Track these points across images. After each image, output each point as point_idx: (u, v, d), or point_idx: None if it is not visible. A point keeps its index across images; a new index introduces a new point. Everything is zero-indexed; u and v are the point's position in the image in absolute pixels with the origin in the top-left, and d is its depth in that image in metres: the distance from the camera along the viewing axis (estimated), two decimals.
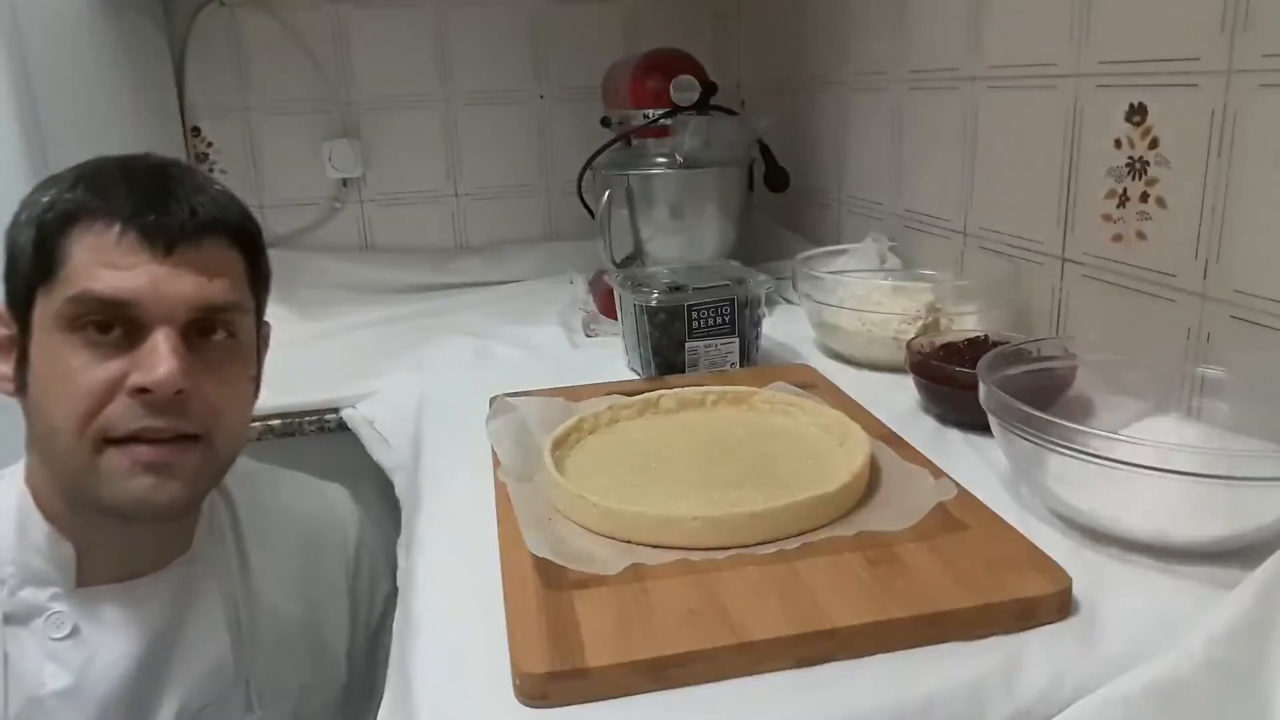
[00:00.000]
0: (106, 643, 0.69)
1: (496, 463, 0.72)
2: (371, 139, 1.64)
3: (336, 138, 1.61)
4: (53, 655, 0.67)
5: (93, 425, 0.62)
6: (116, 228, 0.62)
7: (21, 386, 0.66)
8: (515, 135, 1.69)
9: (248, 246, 0.69)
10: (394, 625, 0.62)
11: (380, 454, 0.98)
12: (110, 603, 0.69)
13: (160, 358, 0.61)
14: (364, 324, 1.30)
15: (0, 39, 0.95)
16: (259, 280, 0.72)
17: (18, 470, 0.71)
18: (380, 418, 1.00)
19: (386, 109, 1.64)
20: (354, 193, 1.66)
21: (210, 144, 1.60)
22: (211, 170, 1.59)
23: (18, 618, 0.67)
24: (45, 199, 0.65)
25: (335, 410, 1.04)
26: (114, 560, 0.70)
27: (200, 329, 0.65)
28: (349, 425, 1.03)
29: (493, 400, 0.82)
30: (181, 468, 0.64)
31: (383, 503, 0.94)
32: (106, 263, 0.62)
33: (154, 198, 0.64)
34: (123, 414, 0.62)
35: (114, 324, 0.62)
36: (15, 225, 0.66)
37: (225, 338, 0.67)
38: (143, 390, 0.61)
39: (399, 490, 0.91)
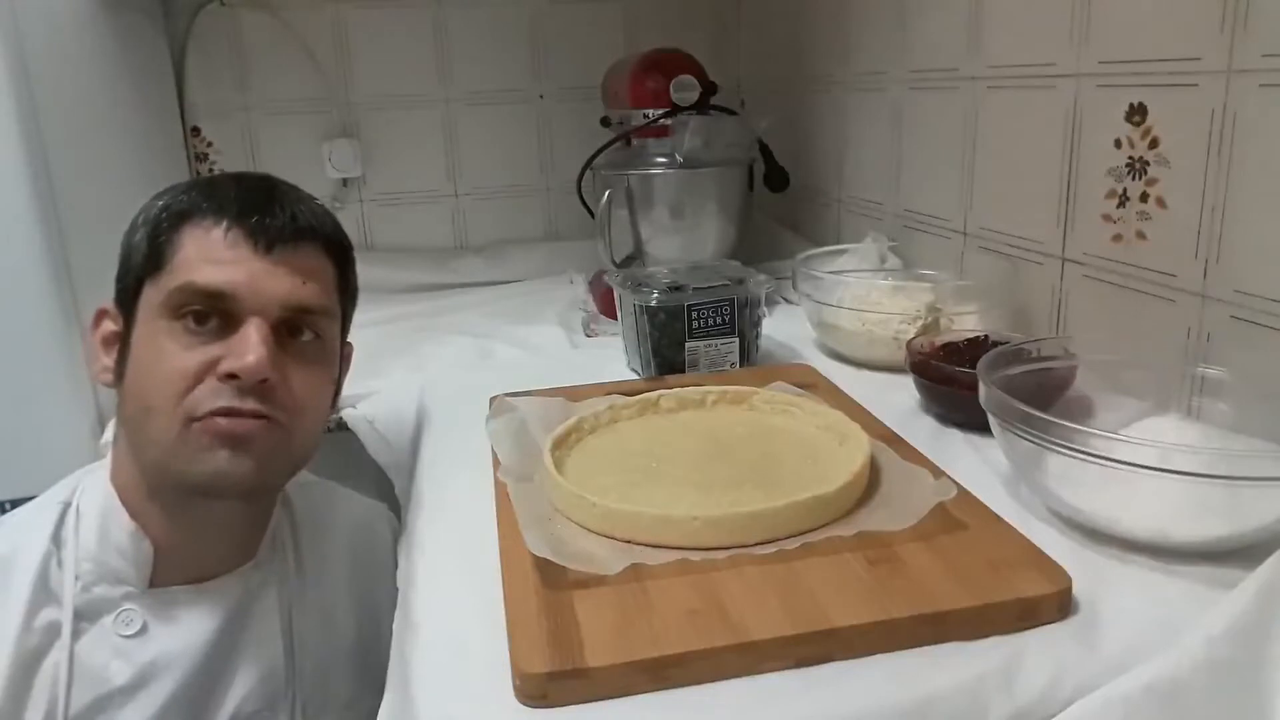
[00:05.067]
0: (173, 642, 0.71)
1: (496, 463, 0.72)
2: (371, 139, 1.64)
3: (336, 138, 1.61)
4: (120, 652, 0.69)
5: (182, 404, 0.66)
6: (223, 225, 0.68)
7: (119, 377, 0.70)
8: (515, 135, 1.69)
9: (339, 258, 0.75)
10: (394, 625, 0.62)
11: (380, 454, 0.98)
12: (180, 603, 0.72)
13: (250, 346, 0.65)
14: (364, 324, 1.28)
15: (0, 39, 0.95)
16: (347, 292, 0.77)
17: (104, 468, 0.74)
18: (380, 418, 1.00)
19: (386, 109, 1.64)
20: (354, 193, 1.66)
21: (210, 144, 1.60)
22: (211, 170, 1.59)
23: (89, 614, 0.69)
24: (161, 202, 0.71)
25: (335, 410, 1.03)
26: (187, 561, 0.73)
27: (290, 328, 0.70)
28: (349, 425, 1.03)
29: (493, 400, 0.83)
30: (257, 444, 0.67)
31: (383, 503, 0.94)
32: (210, 257, 0.67)
33: (259, 202, 0.69)
34: (209, 395, 0.66)
35: (211, 315, 0.67)
36: (131, 229, 0.71)
37: (312, 339, 0.71)
38: (231, 375, 0.65)
39: (399, 490, 0.91)
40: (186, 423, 0.66)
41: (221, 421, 0.66)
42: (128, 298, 0.70)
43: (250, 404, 0.66)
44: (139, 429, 0.68)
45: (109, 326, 0.72)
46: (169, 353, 0.66)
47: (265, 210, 0.68)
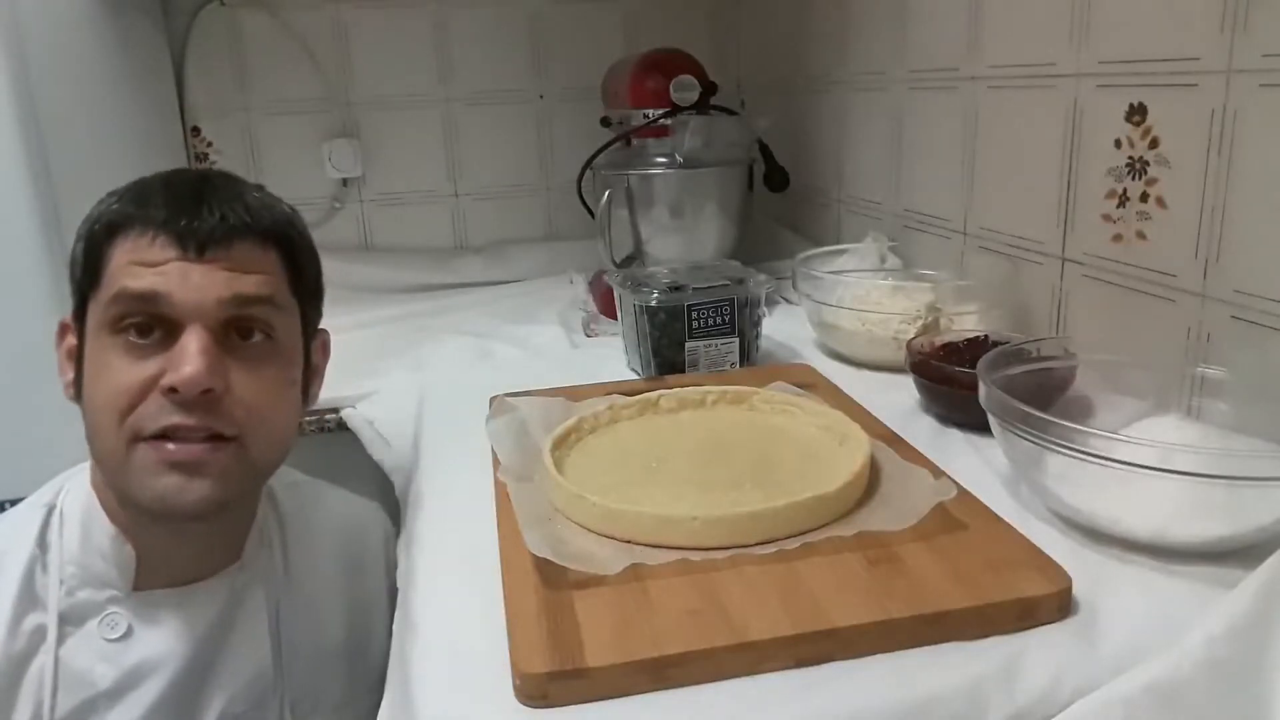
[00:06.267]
0: (158, 645, 0.70)
1: (496, 463, 0.72)
2: (371, 139, 1.64)
3: (336, 138, 1.61)
4: (105, 656, 0.69)
5: (127, 422, 0.64)
6: (150, 233, 0.65)
7: (79, 392, 0.68)
8: (515, 135, 1.70)
9: (285, 248, 0.71)
10: (394, 625, 0.62)
11: (380, 454, 0.98)
12: (164, 607, 0.71)
13: (188, 357, 0.63)
14: (364, 324, 1.29)
15: (0, 39, 0.95)
16: (301, 282, 0.72)
17: (86, 471, 0.73)
18: (380, 418, 1.00)
19: (386, 109, 1.64)
20: (354, 193, 1.66)
21: (210, 144, 1.60)
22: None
23: (73, 618, 0.69)
24: (95, 213, 0.68)
25: (335, 410, 1.04)
26: (169, 565, 0.72)
27: (240, 331, 0.67)
28: (349, 425, 1.03)
29: (493, 400, 0.83)
30: (210, 467, 0.65)
31: (383, 503, 0.94)
32: (140, 262, 0.65)
33: (187, 205, 0.66)
34: (154, 412, 0.64)
35: (153, 327, 0.64)
36: (76, 241, 0.69)
37: (263, 339, 0.68)
38: (172, 389, 0.63)
39: (399, 490, 0.91)
40: (132, 442, 0.64)
41: (169, 447, 0.63)
42: (78, 312, 0.68)
43: (195, 419, 0.63)
44: (93, 447, 0.67)
45: (70, 341, 0.70)
46: (113, 369, 0.64)
47: (193, 213, 0.65)
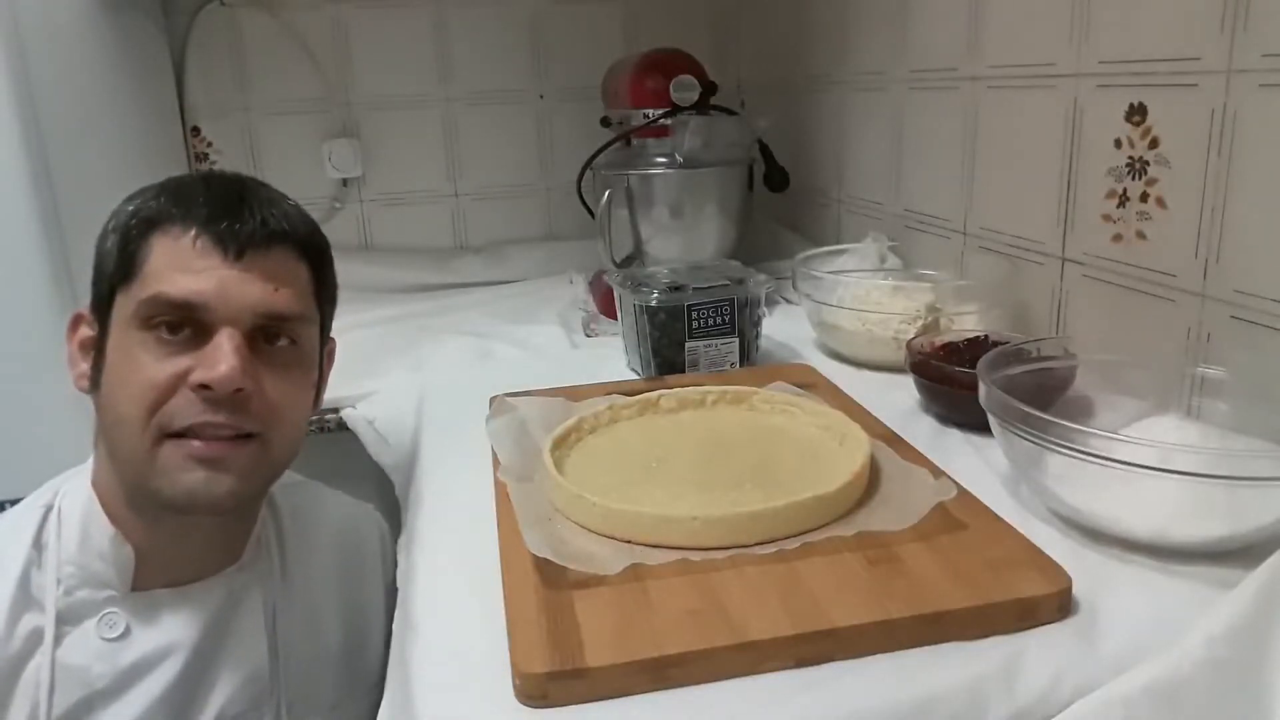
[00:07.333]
0: (156, 645, 0.70)
1: (496, 463, 0.72)
2: (371, 139, 1.64)
3: (336, 138, 1.62)
4: (103, 655, 0.69)
5: (155, 418, 0.65)
6: (192, 232, 0.66)
7: (95, 383, 0.69)
8: (515, 135, 1.70)
9: (315, 259, 0.73)
10: (394, 625, 0.62)
11: (380, 454, 0.98)
12: (163, 606, 0.71)
13: (223, 355, 0.64)
14: (364, 324, 1.29)
15: (0, 39, 0.95)
16: (324, 293, 0.75)
17: (86, 471, 0.73)
18: (380, 418, 1.00)
19: (386, 109, 1.64)
20: (354, 192, 1.66)
21: (210, 144, 1.60)
22: (211, 170, 1.59)
23: (71, 618, 0.69)
24: (130, 208, 0.69)
25: (335, 410, 1.04)
26: (169, 565, 0.72)
27: (265, 335, 0.68)
28: (349, 425, 1.03)
29: (493, 400, 0.83)
30: (235, 462, 0.66)
31: (383, 503, 0.94)
32: (181, 267, 0.65)
33: (229, 207, 0.68)
34: (184, 408, 0.65)
35: (184, 325, 0.65)
36: (103, 234, 0.70)
37: (288, 344, 0.70)
38: (204, 386, 0.64)
39: (399, 490, 0.91)
40: (159, 438, 0.65)
41: (196, 444, 0.65)
42: (102, 304, 0.69)
43: (224, 416, 0.65)
44: (114, 439, 0.67)
45: (85, 332, 0.70)
46: (141, 364, 0.65)
47: (235, 215, 0.67)
